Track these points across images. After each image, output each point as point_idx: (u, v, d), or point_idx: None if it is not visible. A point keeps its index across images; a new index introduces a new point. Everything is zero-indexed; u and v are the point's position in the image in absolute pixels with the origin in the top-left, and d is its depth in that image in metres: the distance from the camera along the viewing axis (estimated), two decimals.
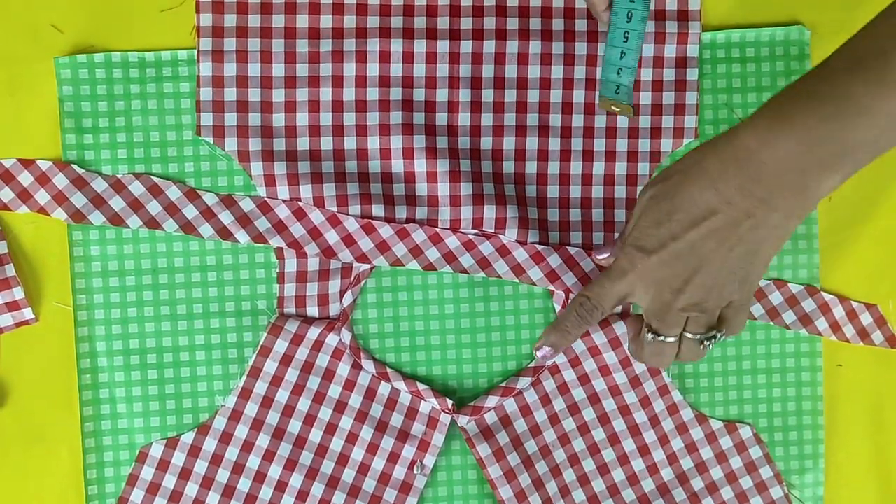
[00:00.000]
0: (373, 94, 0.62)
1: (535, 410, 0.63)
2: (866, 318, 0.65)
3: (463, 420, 0.62)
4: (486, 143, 0.63)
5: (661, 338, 0.54)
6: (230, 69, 0.61)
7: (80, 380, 0.61)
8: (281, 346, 0.61)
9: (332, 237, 0.62)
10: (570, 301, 0.59)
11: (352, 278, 0.62)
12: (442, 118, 0.62)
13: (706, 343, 0.54)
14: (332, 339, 0.62)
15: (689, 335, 0.54)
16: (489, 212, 0.62)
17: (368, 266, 0.62)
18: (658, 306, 0.53)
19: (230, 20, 0.61)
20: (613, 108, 0.62)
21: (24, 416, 0.61)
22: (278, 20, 0.61)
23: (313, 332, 0.62)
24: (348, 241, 0.62)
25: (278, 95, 0.61)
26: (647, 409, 0.64)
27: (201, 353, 0.62)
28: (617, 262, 0.54)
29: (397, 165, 0.62)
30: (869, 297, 0.66)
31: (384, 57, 0.61)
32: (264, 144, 0.61)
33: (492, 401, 0.63)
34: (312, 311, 0.62)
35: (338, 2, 0.61)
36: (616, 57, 0.61)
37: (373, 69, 0.61)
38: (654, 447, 0.64)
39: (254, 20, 0.61)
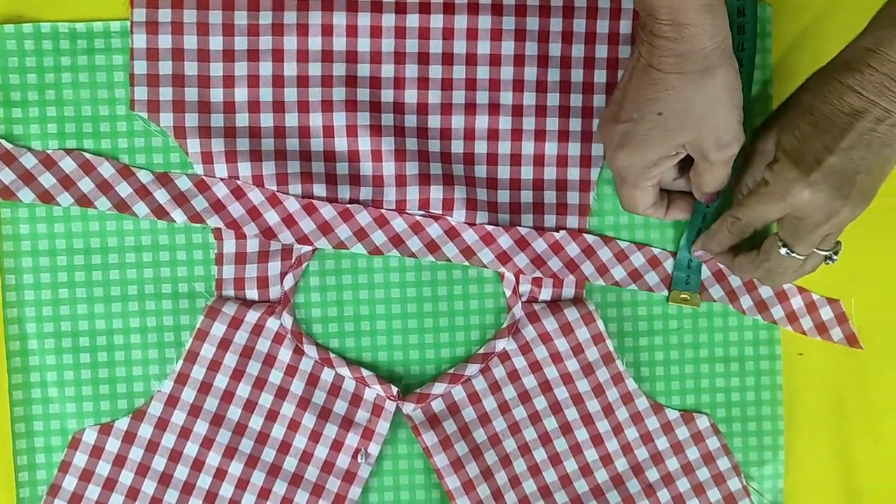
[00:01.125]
0: (315, 69, 0.59)
1: (484, 398, 0.61)
2: (826, 313, 0.63)
3: (409, 407, 0.60)
4: (434, 121, 0.60)
5: (795, 255, 0.55)
6: (165, 41, 0.58)
7: (10, 363, 0.59)
8: (219, 329, 0.59)
9: (272, 217, 0.59)
10: (721, 219, 0.58)
11: (293, 260, 0.60)
12: (388, 95, 0.60)
13: (834, 258, 0.57)
14: (272, 323, 0.60)
15: (821, 252, 0.56)
16: (436, 192, 0.60)
17: (310, 248, 0.60)
18: (807, 228, 0.54)
19: None
20: (682, 297, 0.63)
21: None
22: None
23: (252, 316, 0.60)
24: (289, 221, 0.60)
25: (216, 69, 0.59)
26: (601, 397, 0.62)
27: (136, 336, 0.60)
28: (770, 187, 0.54)
29: (340, 143, 0.60)
30: (830, 294, 0.64)
31: (327, 30, 0.59)
32: (201, 120, 0.59)
33: (439, 388, 0.61)
34: (252, 293, 0.60)
35: None
36: (687, 254, 0.63)
37: (315, 43, 0.59)
38: (608, 437, 0.62)
39: None
